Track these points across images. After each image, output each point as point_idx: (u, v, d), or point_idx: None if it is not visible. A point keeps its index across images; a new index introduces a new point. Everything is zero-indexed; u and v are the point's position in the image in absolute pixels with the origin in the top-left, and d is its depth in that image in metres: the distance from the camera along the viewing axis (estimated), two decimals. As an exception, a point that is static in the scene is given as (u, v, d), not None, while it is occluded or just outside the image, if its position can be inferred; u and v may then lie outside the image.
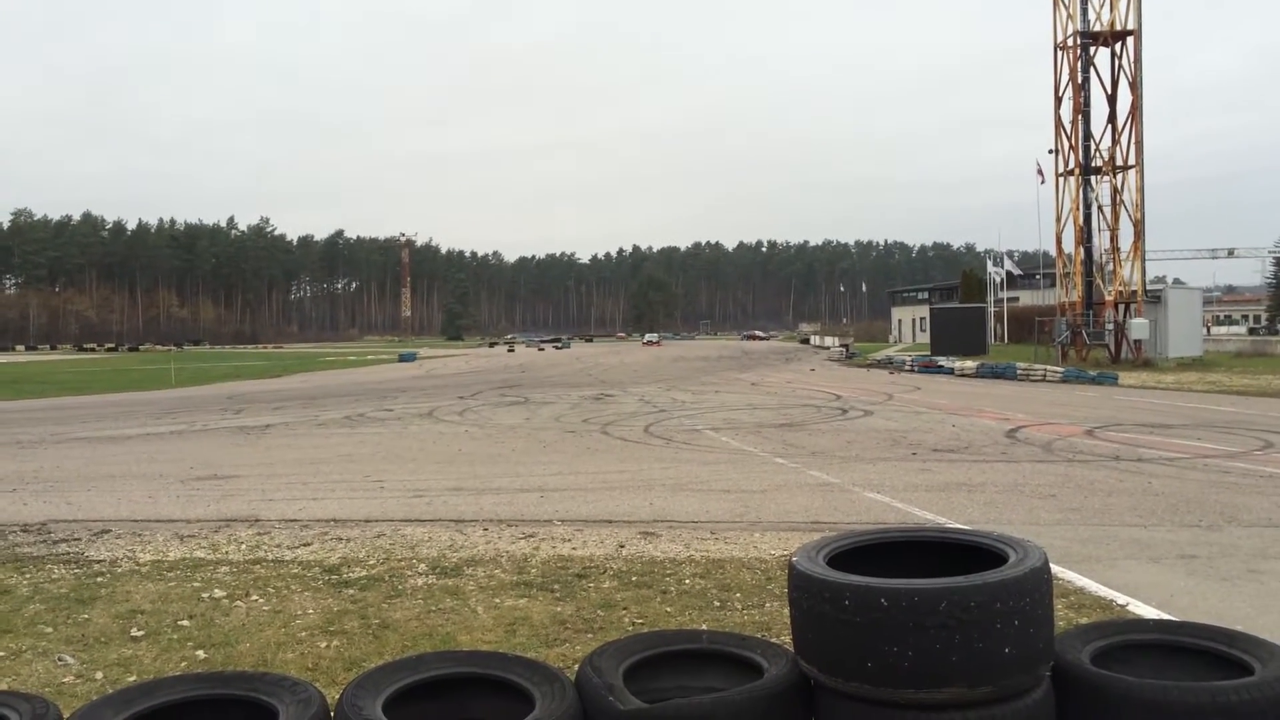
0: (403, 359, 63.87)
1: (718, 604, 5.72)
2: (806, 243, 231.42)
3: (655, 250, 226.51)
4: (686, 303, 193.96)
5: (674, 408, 21.13)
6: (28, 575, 6.75)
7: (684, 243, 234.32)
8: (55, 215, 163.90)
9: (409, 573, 6.61)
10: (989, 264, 69.71)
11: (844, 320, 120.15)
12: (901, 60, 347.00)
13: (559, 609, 5.65)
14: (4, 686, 4.40)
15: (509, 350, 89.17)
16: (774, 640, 3.58)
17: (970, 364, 34.09)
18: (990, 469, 11.31)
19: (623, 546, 7.33)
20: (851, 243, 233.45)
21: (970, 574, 2.62)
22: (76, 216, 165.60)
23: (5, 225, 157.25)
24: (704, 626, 5.13)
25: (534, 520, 8.58)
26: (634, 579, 6.31)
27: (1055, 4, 37.80)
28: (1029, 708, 2.57)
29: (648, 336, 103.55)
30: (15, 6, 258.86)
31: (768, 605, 5.65)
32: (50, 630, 5.41)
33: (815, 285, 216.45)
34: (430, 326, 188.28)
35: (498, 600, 5.87)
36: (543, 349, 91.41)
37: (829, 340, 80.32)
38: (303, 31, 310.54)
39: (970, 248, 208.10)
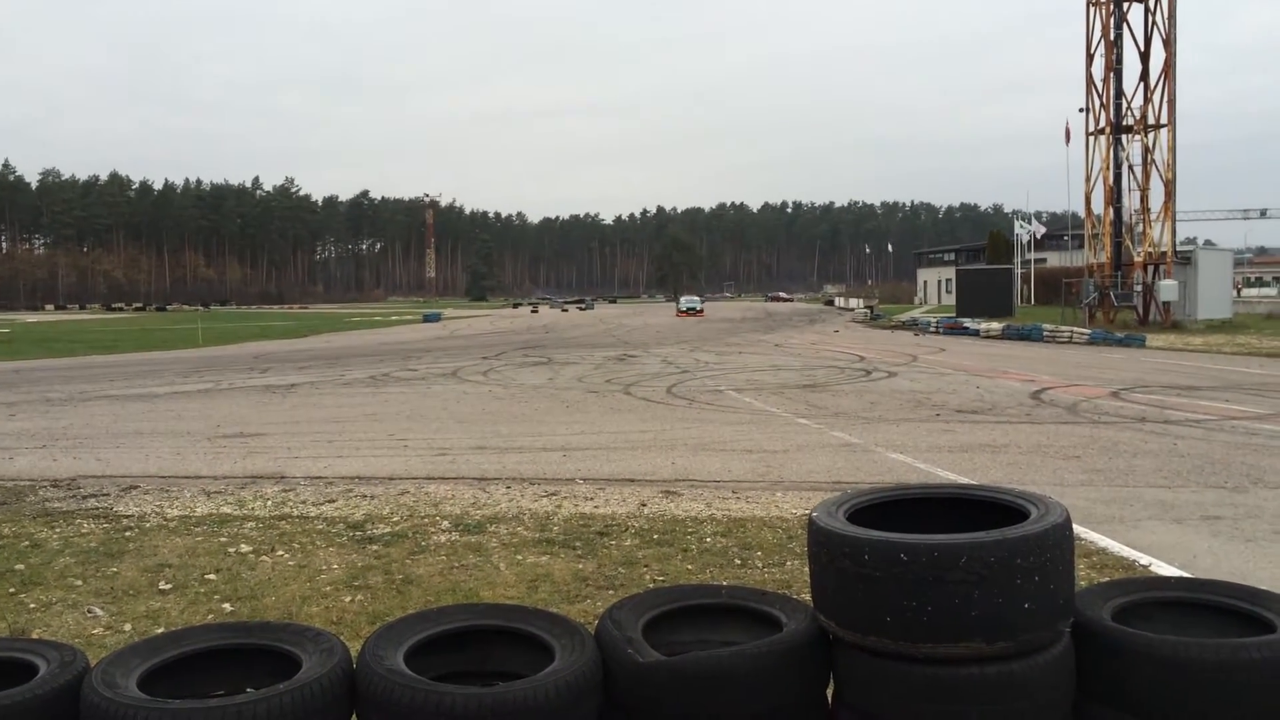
0: (427, 319, 64.05)
1: (739, 562, 5.74)
2: (832, 204, 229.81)
3: (679, 211, 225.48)
4: (710, 264, 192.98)
5: (697, 368, 21.12)
6: (58, 529, 6.87)
7: (708, 204, 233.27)
8: (83, 175, 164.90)
9: (432, 529, 6.67)
10: (1016, 225, 68.89)
11: (869, 282, 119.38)
12: (930, 21, 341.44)
13: (580, 566, 5.69)
14: (35, 636, 4.49)
15: (533, 311, 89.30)
16: (795, 597, 3.59)
17: (996, 326, 33.84)
18: (1014, 430, 11.26)
19: (644, 505, 7.37)
20: (878, 203, 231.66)
21: (990, 530, 2.62)
22: (104, 176, 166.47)
23: (34, 185, 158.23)
24: (723, 583, 5.16)
25: (556, 479, 8.62)
26: (655, 537, 6.34)
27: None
28: (1048, 663, 2.57)
29: (685, 302, 71.60)
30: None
31: (789, 564, 5.66)
32: (80, 583, 5.51)
33: (840, 246, 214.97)
34: (455, 287, 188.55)
35: (520, 557, 5.92)
36: (566, 310, 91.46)
37: (854, 302, 79.89)
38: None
39: (998, 208, 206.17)
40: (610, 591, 5.16)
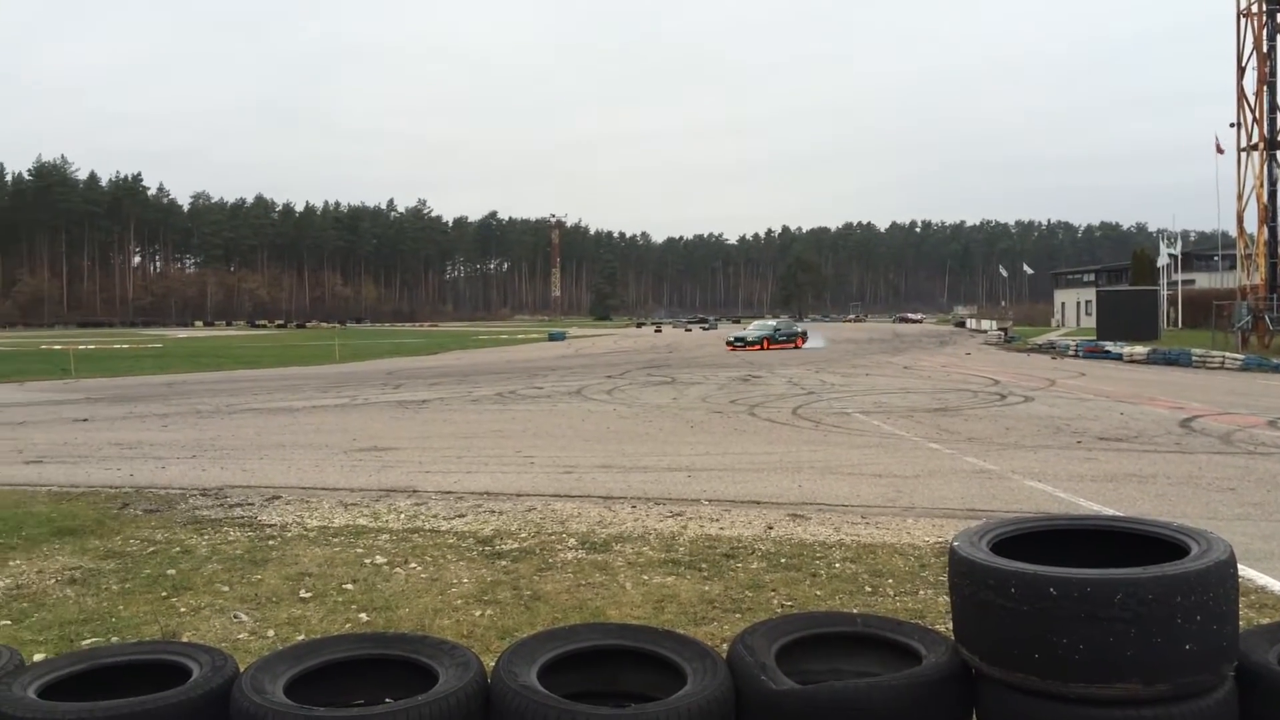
0: (552, 338, 65.10)
1: (869, 589, 5.61)
2: (963, 223, 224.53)
3: (805, 231, 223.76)
4: (836, 284, 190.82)
5: (823, 390, 20.83)
6: (206, 536, 7.18)
7: (834, 223, 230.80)
8: (231, 198, 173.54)
9: (559, 547, 6.72)
10: (1161, 244, 65.96)
11: (1002, 303, 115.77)
12: (1070, 35, 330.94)
13: (707, 588, 5.65)
14: (185, 639, 4.69)
15: (656, 330, 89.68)
16: (933, 628, 3.47)
17: (1140, 349, 32.40)
18: (1162, 460, 10.72)
19: (771, 528, 7.28)
20: (1011, 222, 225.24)
21: (1147, 565, 2.49)
22: (250, 199, 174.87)
23: (186, 208, 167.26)
24: (854, 610, 5.04)
25: (682, 499, 8.60)
26: (783, 561, 6.25)
27: (1239, -32, 35.34)
28: (1211, 708, 2.42)
29: (755, 330, 49.24)
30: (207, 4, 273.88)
31: (922, 593, 5.50)
32: (227, 589, 5.73)
33: (972, 267, 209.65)
34: (579, 306, 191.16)
35: (646, 577, 5.91)
36: (689, 330, 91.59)
37: (986, 323, 77.66)
38: (454, 14, 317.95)
39: (1141, 227, 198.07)
40: (737, 615, 5.10)
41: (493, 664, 2.67)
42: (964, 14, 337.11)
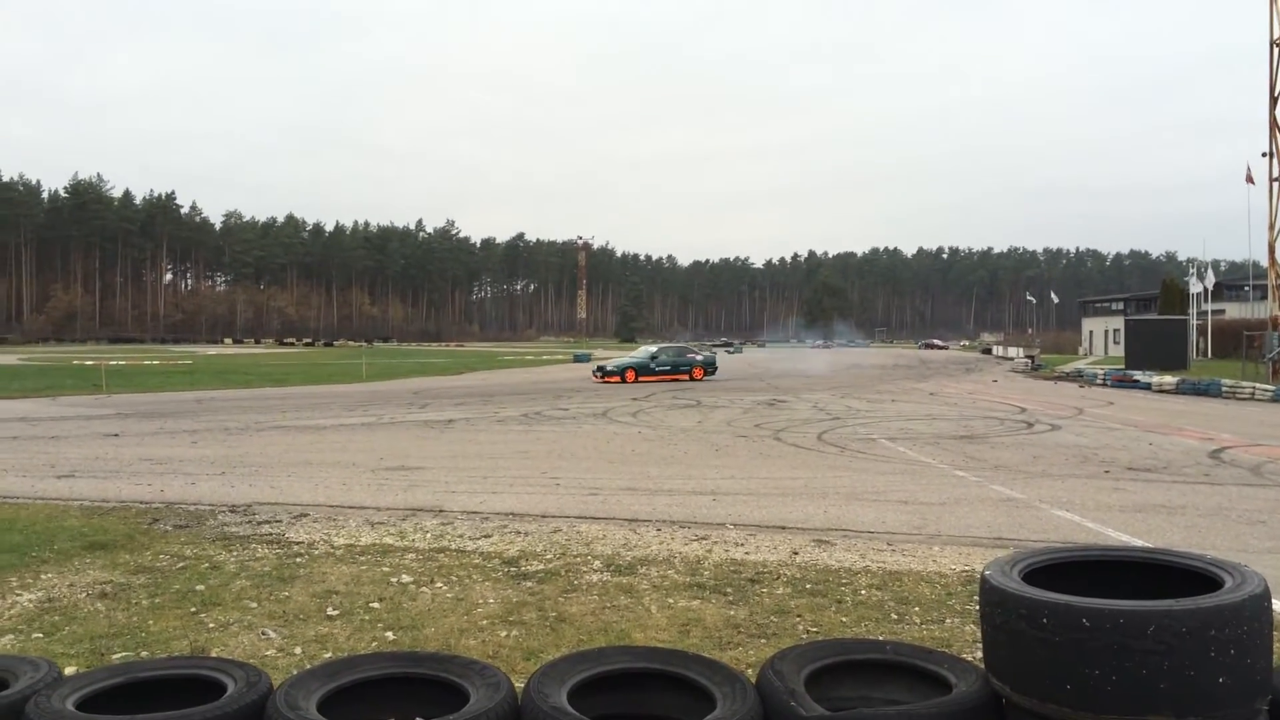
0: (577, 359, 65.19)
1: (895, 617, 5.58)
2: (990, 249, 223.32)
3: (831, 256, 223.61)
4: (862, 309, 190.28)
5: (848, 415, 20.76)
6: (234, 553, 7.24)
7: (860, 248, 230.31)
8: (262, 217, 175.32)
9: (584, 569, 6.73)
10: (1191, 273, 65.38)
11: (1029, 330, 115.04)
12: (1101, 63, 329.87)
13: (732, 612, 5.64)
14: (213, 654, 4.73)
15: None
16: (963, 657, 3.46)
17: (1169, 379, 32.07)
18: (1191, 491, 10.61)
19: (796, 553, 7.26)
20: (1039, 250, 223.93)
21: (1180, 598, 2.47)
22: (280, 218, 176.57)
23: (218, 226, 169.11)
24: (881, 638, 5.01)
25: (707, 523, 8.59)
26: (808, 587, 6.23)
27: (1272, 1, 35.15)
28: (1244, 744, 2.39)
29: (640, 355, 39.65)
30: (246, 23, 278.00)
31: (948, 621, 5.47)
32: (255, 605, 5.78)
33: (999, 293, 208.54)
34: (605, 328, 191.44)
35: (671, 600, 5.91)
36: (714, 353, 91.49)
37: (1013, 351, 77.18)
38: (484, 37, 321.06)
39: (1170, 256, 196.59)
40: (762, 640, 5.09)
41: (520, 684, 2.68)
42: (992, 43, 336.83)
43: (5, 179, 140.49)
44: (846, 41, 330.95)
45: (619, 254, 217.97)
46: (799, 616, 5.57)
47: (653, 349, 40.25)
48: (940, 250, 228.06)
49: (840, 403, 24.88)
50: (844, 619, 5.54)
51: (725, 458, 13.54)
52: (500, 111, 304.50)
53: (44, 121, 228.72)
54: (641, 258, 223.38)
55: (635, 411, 21.96)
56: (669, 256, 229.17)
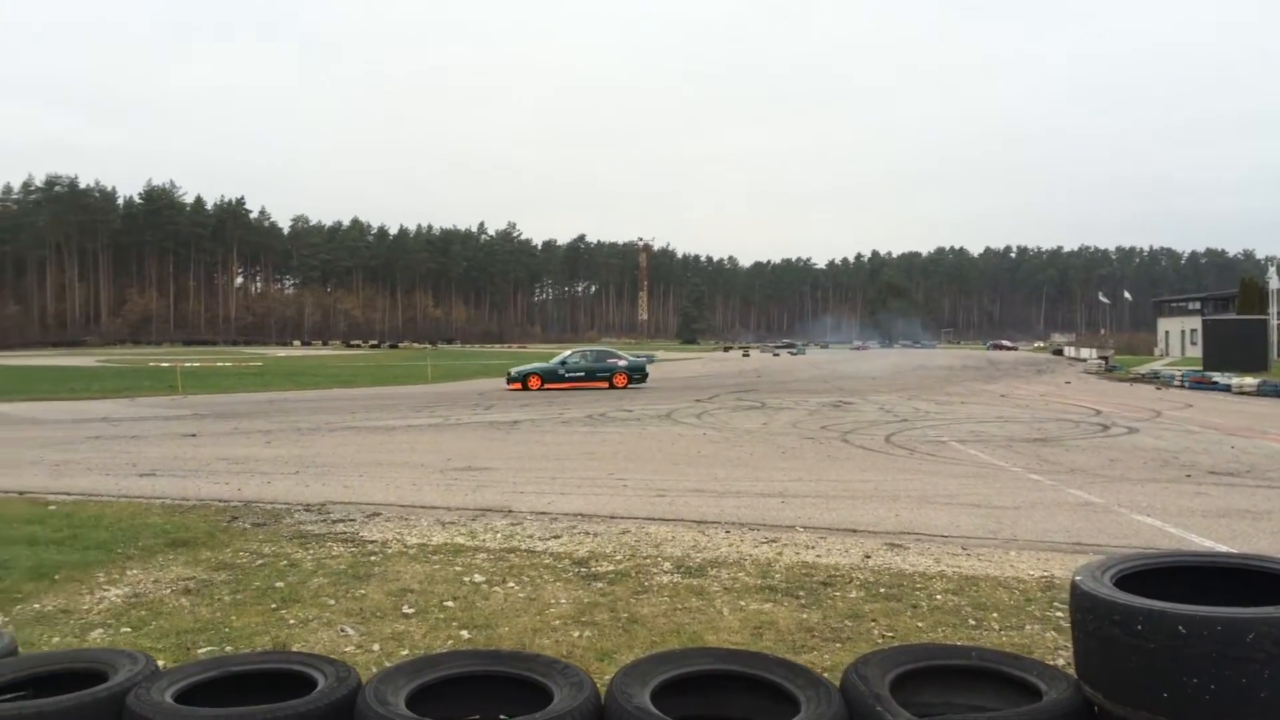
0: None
1: (972, 622, 5.49)
2: (1060, 248, 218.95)
3: (895, 256, 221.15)
4: (927, 310, 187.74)
5: (916, 417, 20.50)
6: (311, 551, 7.37)
7: (925, 248, 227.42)
8: (328, 221, 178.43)
9: (654, 570, 6.73)
10: (1271, 271, 63.42)
11: (1102, 331, 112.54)
12: (1173, 53, 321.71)
13: (805, 616, 5.60)
14: (296, 650, 4.81)
15: (744, 355, 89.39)
16: (1051, 664, 3.39)
17: (1250, 381, 31.13)
18: (1278, 496, 10.28)
19: (869, 557, 7.18)
20: (1112, 248, 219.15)
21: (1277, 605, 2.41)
22: (346, 222, 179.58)
23: (286, 230, 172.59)
24: (958, 643, 4.94)
25: (776, 525, 8.54)
26: (881, 590, 6.16)
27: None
28: (1352, 757, 2.32)
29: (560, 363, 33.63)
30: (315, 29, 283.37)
31: (1028, 627, 5.36)
32: (332, 602, 5.87)
33: (1070, 293, 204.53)
34: (666, 330, 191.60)
35: (742, 603, 5.88)
36: (777, 354, 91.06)
37: (1085, 352, 75.51)
38: (546, 39, 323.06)
39: (1248, 254, 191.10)
40: (837, 644, 5.04)
41: (600, 684, 2.69)
42: (1062, 37, 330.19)
43: (82, 186, 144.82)
44: (909, 37, 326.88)
45: (680, 255, 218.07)
46: (874, 621, 5.51)
47: (566, 353, 35.70)
48: (1008, 249, 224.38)
49: (908, 404, 24.57)
50: (920, 624, 5.47)
51: (792, 460, 13.45)
52: (559, 114, 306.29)
53: (117, 129, 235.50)
54: (703, 259, 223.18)
55: (700, 413, 21.92)
56: (730, 257, 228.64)
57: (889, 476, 11.73)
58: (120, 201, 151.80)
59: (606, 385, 32.65)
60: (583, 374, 32.96)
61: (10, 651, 2.88)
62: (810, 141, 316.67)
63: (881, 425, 18.58)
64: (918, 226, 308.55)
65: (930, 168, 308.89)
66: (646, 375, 34.75)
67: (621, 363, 34.02)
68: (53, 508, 9.30)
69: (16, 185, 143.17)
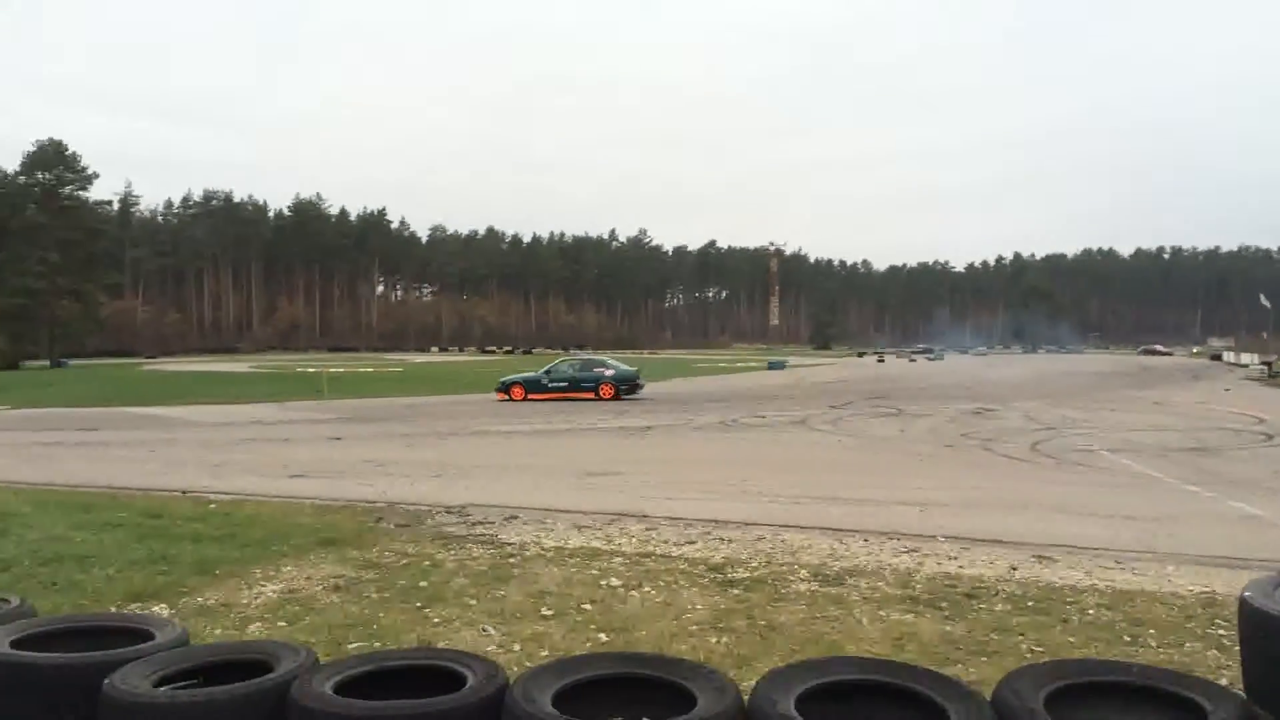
0: (771, 366, 64.77)
1: (1128, 639, 5.24)
2: (1217, 248, 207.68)
3: (1038, 258, 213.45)
4: (1073, 314, 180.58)
5: (1063, 425, 19.74)
6: (452, 551, 7.56)
7: (1071, 249, 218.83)
8: (464, 230, 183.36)
9: (791, 577, 6.66)
10: None
11: (1264, 335, 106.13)
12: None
13: (949, 628, 5.45)
14: (439, 646, 4.94)
15: (879, 360, 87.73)
16: (1219, 683, 3.21)
17: None
18: None
19: (1015, 569, 6.94)
20: (1274, 248, 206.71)
21: None
22: (481, 231, 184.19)
23: (424, 239, 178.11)
24: (1116, 659, 4.72)
25: (916, 535, 8.35)
26: (1029, 604, 5.95)
27: None
28: None
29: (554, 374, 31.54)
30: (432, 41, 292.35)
31: (1188, 645, 5.10)
32: (474, 602, 6.01)
33: (1229, 296, 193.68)
34: (797, 335, 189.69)
35: (882, 613, 5.77)
36: (914, 360, 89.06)
37: (1245, 357, 71.39)
38: (672, 49, 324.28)
39: None
40: (983, 658, 4.89)
41: (742, 690, 2.67)
42: (1214, 20, 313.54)
43: (237, 200, 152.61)
44: (1049, 22, 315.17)
45: (812, 260, 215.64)
46: (1021, 635, 5.32)
47: (557, 363, 33.59)
48: (1160, 250, 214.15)
49: (1053, 411, 23.69)
50: (1071, 639, 5.26)
51: (931, 467, 13.14)
52: (690, 120, 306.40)
53: (265, 144, 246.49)
54: (835, 263, 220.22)
55: (834, 419, 21.63)
56: (864, 261, 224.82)
57: (1035, 486, 11.34)
58: (271, 214, 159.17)
59: (593, 396, 30.12)
60: (566, 384, 30.63)
61: (182, 642, 3.04)
62: (944, 139, 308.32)
63: (1026, 433, 17.97)
64: (1062, 226, 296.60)
65: (1077, 165, 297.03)
66: (639, 385, 31.65)
67: (609, 372, 31.43)
68: (213, 506, 9.81)
69: (177, 200, 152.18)
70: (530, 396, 29.98)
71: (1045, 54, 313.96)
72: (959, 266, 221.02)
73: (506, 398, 30.11)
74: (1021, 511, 9.55)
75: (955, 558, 7.35)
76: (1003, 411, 23.84)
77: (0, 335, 72.47)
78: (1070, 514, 9.41)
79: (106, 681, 2.62)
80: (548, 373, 31.42)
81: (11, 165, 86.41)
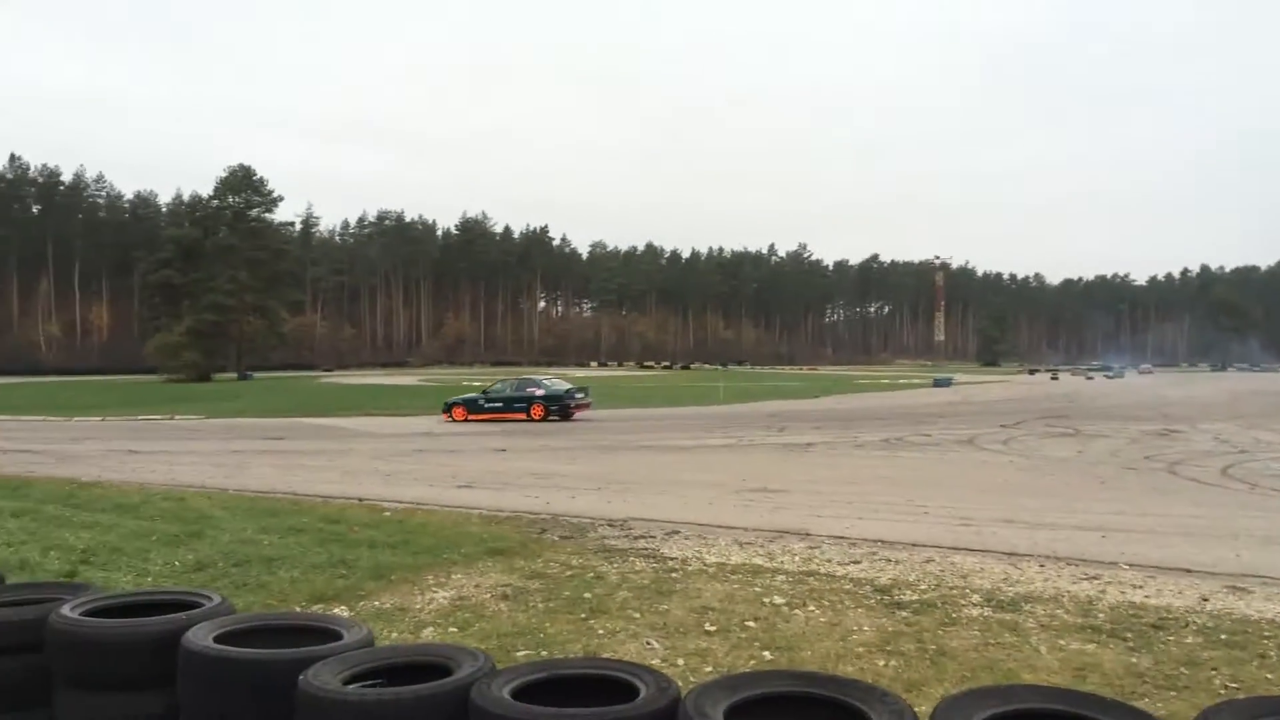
0: (937, 384, 63.05)
1: (1337, 680, 4.85)
2: None
3: (1227, 270, 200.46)
4: (1267, 330, 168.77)
5: (1257, 448, 18.45)
6: (615, 565, 7.64)
7: (1265, 261, 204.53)
8: (623, 246, 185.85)
9: (962, 602, 6.44)
10: None
11: None
12: None
13: (1133, 660, 5.16)
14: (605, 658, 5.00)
15: (1052, 378, 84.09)
16: None
17: None
18: None
19: (1206, 600, 6.52)
20: None
21: None
22: (640, 247, 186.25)
23: (585, 256, 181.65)
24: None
25: (1096, 561, 7.95)
26: (1222, 637, 5.57)
27: None
28: None
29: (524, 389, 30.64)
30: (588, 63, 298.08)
31: None
32: (637, 616, 6.05)
33: None
34: (963, 351, 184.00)
35: (1061, 642, 5.51)
36: (1091, 377, 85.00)
37: None
38: (831, 58, 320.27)
39: None
40: (1172, 693, 4.61)
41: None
42: None
43: (408, 219, 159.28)
44: (1235, 21, 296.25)
45: (980, 274, 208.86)
46: (1214, 670, 4.99)
47: (495, 384, 32.11)
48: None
49: (1246, 434, 22.18)
50: (1269, 675, 4.90)
51: (1112, 491, 12.50)
52: (847, 132, 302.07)
53: (435, 165, 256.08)
54: (1005, 276, 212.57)
55: (1005, 439, 20.86)
56: (1036, 274, 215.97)
57: (1227, 512, 10.64)
58: (439, 233, 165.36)
59: (524, 416, 28.91)
60: (501, 404, 29.52)
61: (368, 643, 3.18)
62: (1126, 143, 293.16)
63: (1216, 456, 16.88)
64: (1255, 236, 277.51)
65: (1268, 171, 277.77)
66: (571, 408, 29.59)
67: (539, 392, 29.75)
68: (387, 514, 10.22)
69: (353, 221, 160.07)
70: (471, 417, 29.24)
71: (1231, 52, 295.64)
72: (1140, 279, 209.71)
73: (450, 418, 29.37)
74: (1212, 539, 8.96)
75: (1140, 586, 6.96)
76: (1189, 433, 22.47)
77: (195, 350, 77.89)
78: (1268, 543, 8.78)
79: (301, 677, 2.76)
80: (484, 393, 30.66)
81: (206, 190, 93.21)
